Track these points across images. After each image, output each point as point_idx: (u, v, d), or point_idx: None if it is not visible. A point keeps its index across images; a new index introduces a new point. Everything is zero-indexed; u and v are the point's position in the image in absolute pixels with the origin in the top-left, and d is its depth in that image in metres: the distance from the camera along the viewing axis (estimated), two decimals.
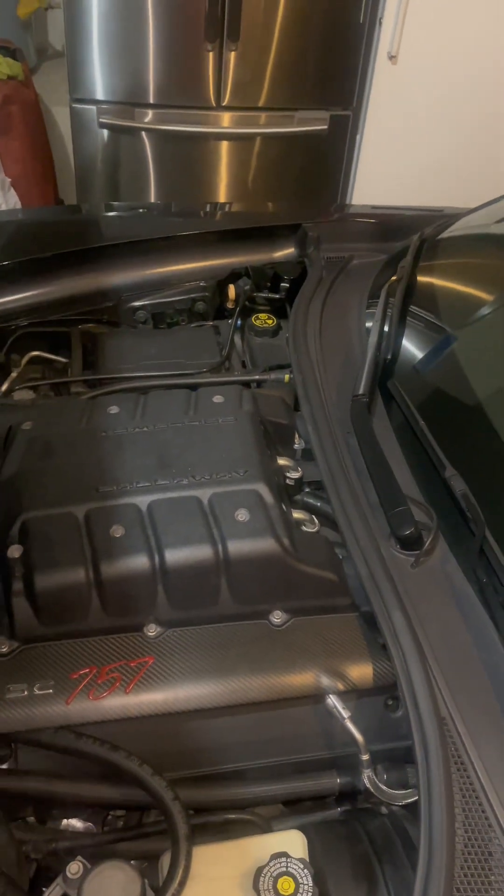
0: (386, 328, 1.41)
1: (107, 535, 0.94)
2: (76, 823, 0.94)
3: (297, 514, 1.08)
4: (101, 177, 3.06)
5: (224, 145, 3.04)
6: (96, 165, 3.01)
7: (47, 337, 1.62)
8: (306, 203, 3.12)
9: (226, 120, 2.96)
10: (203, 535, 0.96)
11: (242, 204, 2.95)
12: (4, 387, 1.48)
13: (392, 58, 2.83)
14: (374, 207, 2.14)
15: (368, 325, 1.47)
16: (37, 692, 0.88)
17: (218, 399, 1.17)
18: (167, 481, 1.01)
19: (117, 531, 0.95)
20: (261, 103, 2.92)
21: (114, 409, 1.15)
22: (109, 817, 0.96)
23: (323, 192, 3.18)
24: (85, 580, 0.92)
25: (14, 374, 1.53)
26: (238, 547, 0.95)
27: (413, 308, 1.46)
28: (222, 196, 3.17)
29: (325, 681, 0.92)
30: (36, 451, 1.07)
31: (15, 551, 0.94)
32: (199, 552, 0.94)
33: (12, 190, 2.70)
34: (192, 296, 1.69)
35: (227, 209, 2.41)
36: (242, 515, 0.97)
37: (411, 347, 1.42)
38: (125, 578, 0.93)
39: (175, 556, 0.94)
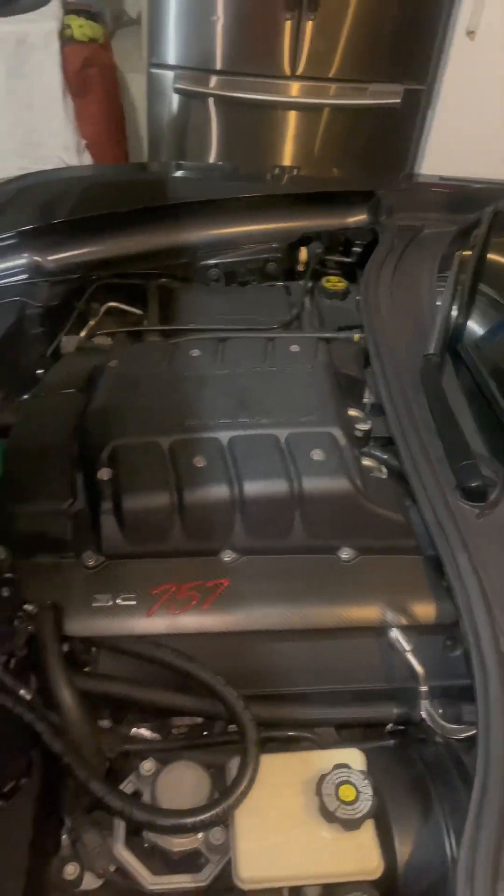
0: (457, 296, 1.43)
1: (190, 465, 1.00)
2: (144, 732, 1.01)
3: (367, 462, 1.13)
4: (171, 142, 3.10)
5: (292, 115, 3.06)
6: (167, 131, 3.05)
7: (124, 289, 1.68)
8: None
9: (296, 90, 2.98)
10: (280, 470, 1.00)
11: (312, 169, 2.97)
12: (83, 333, 1.55)
13: (470, 34, 2.80)
14: (441, 178, 2.15)
15: (439, 293, 1.49)
16: (120, 603, 0.94)
17: (294, 348, 1.22)
18: (247, 420, 1.06)
19: (200, 461, 1.00)
20: (333, 74, 2.92)
21: (195, 353, 1.20)
22: (173, 730, 1.02)
23: (390, 165, 3.17)
24: (168, 504, 0.98)
25: (92, 323, 1.60)
26: (312, 484, 1.00)
27: (484, 281, 1.48)
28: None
29: (389, 615, 0.96)
30: (123, 387, 1.13)
31: (105, 474, 1.00)
32: (275, 486, 0.99)
33: (87, 152, 2.77)
34: (265, 256, 1.73)
35: (295, 173, 2.43)
36: (318, 455, 1.02)
37: (481, 316, 1.44)
38: (205, 505, 0.98)
39: (253, 488, 0.99)
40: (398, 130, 3.06)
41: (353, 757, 0.88)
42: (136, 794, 0.90)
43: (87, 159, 2.76)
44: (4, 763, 0.80)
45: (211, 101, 2.99)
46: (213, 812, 0.80)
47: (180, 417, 1.06)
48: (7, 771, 0.80)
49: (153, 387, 1.13)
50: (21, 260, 1.65)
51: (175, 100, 2.97)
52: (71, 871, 0.86)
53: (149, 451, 1.02)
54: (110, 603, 0.94)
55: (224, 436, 1.04)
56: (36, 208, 1.80)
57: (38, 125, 2.58)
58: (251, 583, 0.97)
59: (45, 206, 1.80)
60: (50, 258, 1.64)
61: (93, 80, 2.71)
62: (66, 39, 2.60)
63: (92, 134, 2.78)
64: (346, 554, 1.01)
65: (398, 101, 2.91)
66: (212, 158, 3.11)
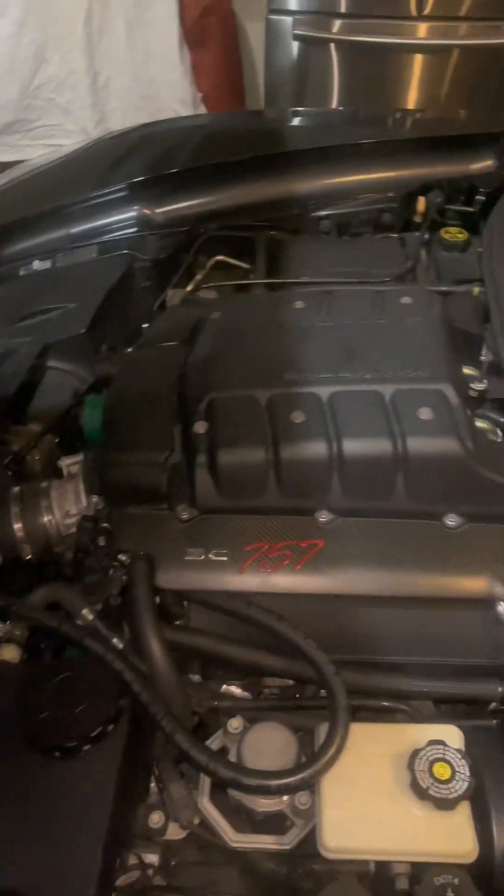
0: None
1: (288, 420, 0.96)
2: (235, 690, 1.00)
3: (481, 424, 1.04)
4: (289, 93, 3.01)
5: (418, 58, 2.88)
6: (285, 81, 2.96)
7: (233, 242, 1.65)
8: None
9: (424, 30, 2.80)
10: (382, 429, 0.95)
11: (435, 112, 2.80)
12: (190, 286, 1.53)
13: None
14: None
15: None
16: (212, 558, 0.93)
17: (406, 300, 1.14)
18: (350, 375, 1.01)
19: (298, 417, 0.96)
20: (465, 13, 2.72)
21: (299, 304, 1.15)
22: (264, 691, 1.00)
23: None
24: (264, 460, 0.94)
25: (199, 277, 1.58)
26: (418, 444, 0.93)
27: None
28: None
29: (498, 588, 0.89)
30: (224, 339, 1.10)
31: (200, 427, 0.98)
32: (377, 445, 0.94)
33: (202, 106, 2.73)
34: (380, 207, 1.64)
35: (418, 116, 2.30)
36: (425, 414, 0.95)
37: None
38: (302, 462, 0.94)
39: (352, 446, 0.94)
40: None
41: (450, 734, 0.83)
42: (223, 751, 0.89)
43: (202, 112, 2.73)
44: (95, 709, 0.81)
45: (332, 46, 2.87)
46: (298, 776, 0.78)
47: (280, 371, 1.02)
48: (97, 716, 0.80)
49: (254, 339, 1.09)
50: (131, 213, 1.65)
51: (294, 47, 2.87)
52: (156, 819, 0.86)
53: (246, 404, 0.99)
54: (202, 557, 0.93)
55: (324, 391, 0.99)
56: (147, 160, 1.80)
57: (155, 78, 2.56)
58: (347, 545, 0.93)
59: (156, 158, 1.79)
60: (158, 210, 1.63)
61: (211, 29, 2.66)
62: None
63: (208, 87, 2.74)
64: (452, 521, 0.94)
65: None
66: (333, 106, 3.00)
